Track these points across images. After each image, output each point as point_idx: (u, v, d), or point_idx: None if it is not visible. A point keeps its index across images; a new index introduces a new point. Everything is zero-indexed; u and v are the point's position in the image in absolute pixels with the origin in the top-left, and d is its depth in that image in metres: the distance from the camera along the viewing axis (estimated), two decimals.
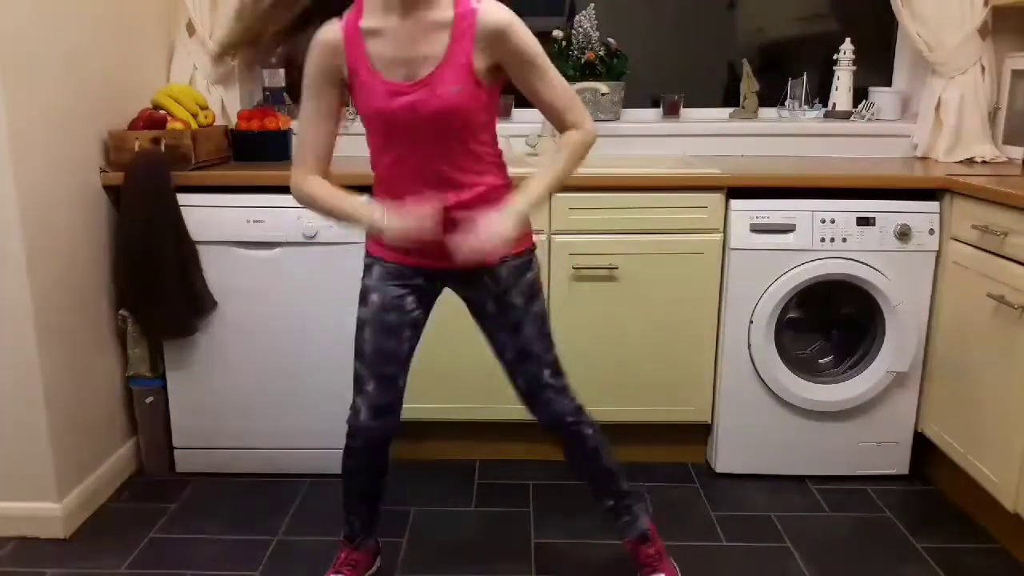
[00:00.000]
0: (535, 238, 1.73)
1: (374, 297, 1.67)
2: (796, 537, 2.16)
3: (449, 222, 1.55)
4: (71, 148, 2.17)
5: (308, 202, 1.62)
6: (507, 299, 1.66)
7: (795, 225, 2.29)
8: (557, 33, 2.81)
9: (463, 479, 2.46)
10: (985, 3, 2.56)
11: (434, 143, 1.53)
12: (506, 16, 1.49)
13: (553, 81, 1.56)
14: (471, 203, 1.58)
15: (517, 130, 2.77)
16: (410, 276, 1.68)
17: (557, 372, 1.72)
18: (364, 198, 1.62)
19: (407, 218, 1.50)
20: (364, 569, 1.91)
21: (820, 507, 2.31)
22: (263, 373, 2.39)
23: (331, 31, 1.52)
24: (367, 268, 1.71)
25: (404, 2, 1.47)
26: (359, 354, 1.69)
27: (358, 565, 1.89)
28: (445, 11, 1.49)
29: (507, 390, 2.42)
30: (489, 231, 1.49)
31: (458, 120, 1.52)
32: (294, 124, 2.73)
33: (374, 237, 1.65)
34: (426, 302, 1.73)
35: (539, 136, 2.76)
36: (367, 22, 1.50)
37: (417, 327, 1.72)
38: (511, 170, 1.68)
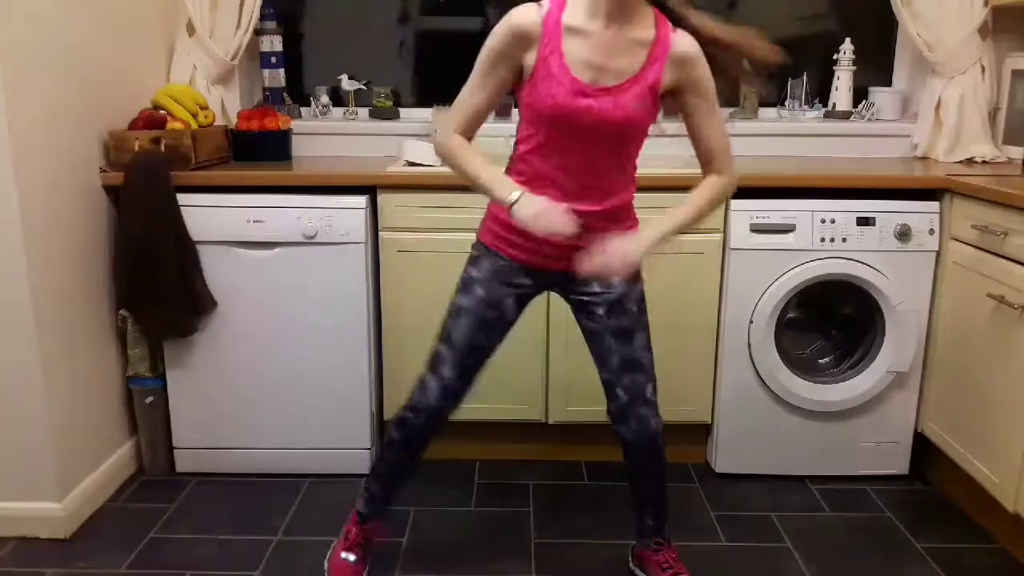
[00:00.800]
0: None
1: (479, 290, 1.69)
2: (796, 537, 2.16)
3: (582, 227, 1.56)
4: (71, 148, 2.17)
5: (448, 156, 1.61)
6: (622, 304, 1.69)
7: (795, 225, 2.29)
8: None
9: (463, 479, 2.46)
10: (985, 3, 2.57)
11: (599, 150, 1.58)
12: (693, 46, 1.56)
13: (717, 121, 1.63)
14: (608, 212, 1.64)
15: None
16: (518, 277, 1.70)
17: (655, 390, 1.73)
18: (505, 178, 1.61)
19: (542, 210, 1.50)
20: (372, 539, 1.95)
21: (820, 507, 2.31)
22: (263, 373, 2.39)
23: (529, 18, 1.52)
24: (476, 259, 1.72)
25: (612, 13, 1.50)
26: (447, 339, 1.71)
27: (368, 543, 1.93)
28: (647, 30, 1.54)
29: (507, 390, 2.44)
30: (617, 252, 1.54)
31: (630, 134, 1.58)
32: (294, 124, 2.74)
33: (496, 231, 1.68)
34: (524, 304, 1.76)
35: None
36: (570, 19, 1.52)
37: (509, 328, 1.75)
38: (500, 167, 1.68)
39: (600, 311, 1.70)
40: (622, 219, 1.69)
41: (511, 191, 1.53)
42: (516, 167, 1.64)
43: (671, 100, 1.61)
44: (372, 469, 1.92)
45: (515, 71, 1.56)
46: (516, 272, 1.70)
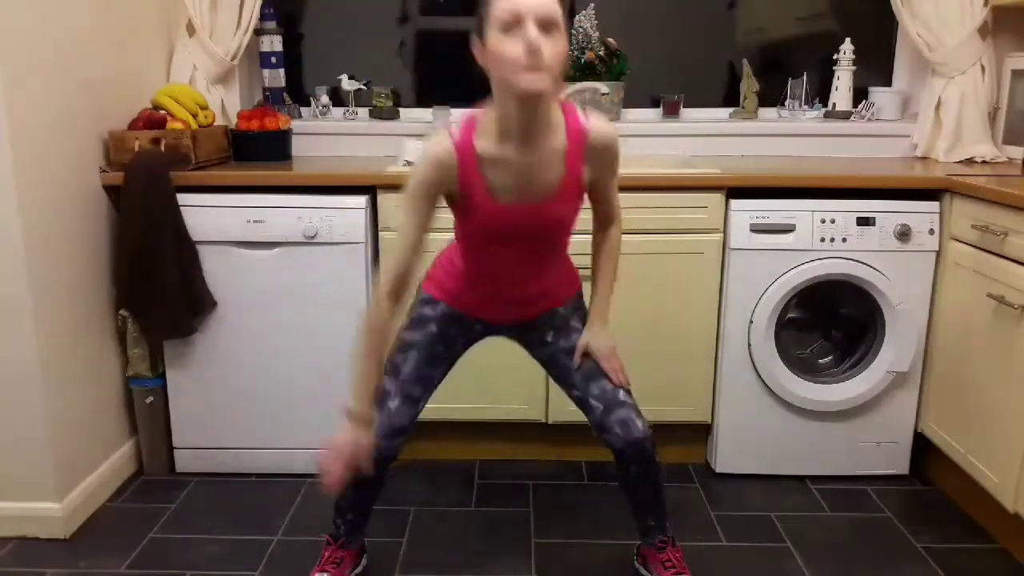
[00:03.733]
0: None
1: (432, 328, 1.73)
2: (796, 537, 2.16)
3: (533, 300, 1.72)
4: (71, 148, 2.17)
5: (367, 332, 1.57)
6: (568, 325, 1.75)
7: (795, 225, 2.29)
8: None
9: (463, 479, 2.46)
10: (985, 3, 2.57)
11: (535, 247, 1.62)
12: (612, 130, 1.55)
13: (615, 181, 1.66)
14: (548, 287, 1.72)
15: None
16: (471, 323, 1.76)
17: (628, 392, 1.73)
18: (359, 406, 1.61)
19: (342, 445, 1.55)
20: (349, 567, 1.92)
21: (820, 507, 2.31)
22: (263, 373, 2.39)
23: (445, 149, 1.48)
24: (429, 302, 1.75)
25: (525, 132, 1.45)
26: (394, 372, 1.72)
27: (343, 563, 1.90)
28: (558, 134, 1.50)
29: (507, 390, 2.44)
30: (606, 348, 1.72)
31: (564, 229, 1.61)
32: (294, 124, 2.74)
33: (445, 286, 1.74)
34: (473, 343, 1.81)
35: None
36: (483, 147, 1.48)
37: (455, 362, 1.80)
38: None
39: (548, 337, 1.75)
40: (553, 293, 1.75)
41: (363, 408, 1.58)
42: (458, 258, 1.70)
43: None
44: (335, 505, 1.87)
45: (440, 199, 1.55)
46: (466, 321, 1.76)
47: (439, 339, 1.73)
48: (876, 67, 2.95)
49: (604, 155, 1.56)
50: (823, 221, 2.28)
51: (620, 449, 1.70)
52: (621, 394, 1.70)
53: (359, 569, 1.96)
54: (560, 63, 1.38)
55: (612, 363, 1.72)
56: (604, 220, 1.73)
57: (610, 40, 2.79)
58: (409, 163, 2.45)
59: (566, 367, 1.74)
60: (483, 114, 1.49)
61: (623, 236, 1.78)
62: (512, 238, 1.57)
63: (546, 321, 1.76)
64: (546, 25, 1.35)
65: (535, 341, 1.78)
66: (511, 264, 1.64)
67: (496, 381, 2.43)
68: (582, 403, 1.74)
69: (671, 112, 2.91)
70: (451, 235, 1.69)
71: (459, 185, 1.51)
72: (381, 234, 2.35)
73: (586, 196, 1.64)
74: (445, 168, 1.49)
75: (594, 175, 1.58)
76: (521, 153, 1.48)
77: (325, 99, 2.93)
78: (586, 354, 1.74)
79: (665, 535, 1.88)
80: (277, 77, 2.86)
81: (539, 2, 1.34)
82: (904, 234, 2.28)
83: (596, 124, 1.53)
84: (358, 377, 1.58)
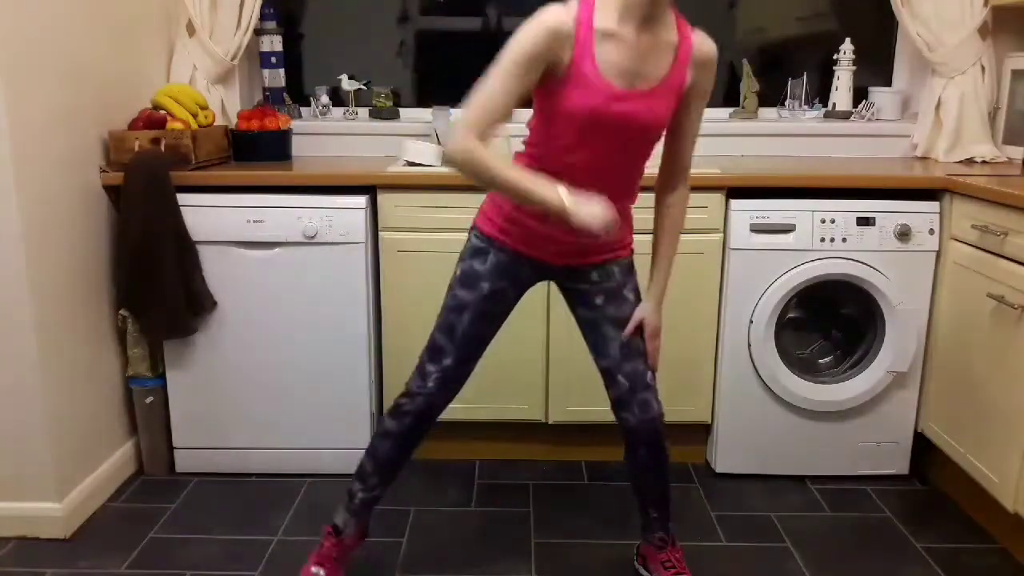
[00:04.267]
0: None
1: (484, 285, 1.70)
2: (796, 537, 2.16)
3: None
4: (71, 148, 2.17)
5: (470, 163, 1.48)
6: (621, 294, 1.73)
7: (795, 225, 2.29)
8: None
9: (463, 479, 2.46)
10: (985, 3, 2.57)
11: (624, 152, 1.60)
12: (714, 48, 1.60)
13: (698, 128, 1.70)
14: (623, 212, 1.69)
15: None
16: (519, 268, 1.72)
17: (655, 376, 1.75)
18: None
19: (597, 209, 1.46)
20: (347, 557, 1.91)
21: (820, 507, 2.31)
22: (263, 373, 2.39)
23: (562, 19, 1.47)
24: (480, 252, 1.70)
25: (646, 18, 1.50)
26: (449, 331, 1.71)
27: (341, 556, 1.89)
28: (671, 32, 1.55)
29: (507, 390, 2.44)
30: (659, 327, 1.74)
31: (656, 136, 1.60)
32: (294, 124, 2.74)
33: (497, 223, 1.67)
34: (523, 292, 1.78)
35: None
36: (602, 23, 1.49)
37: (507, 316, 1.77)
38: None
39: (599, 300, 1.72)
40: (626, 222, 1.72)
41: (564, 196, 1.47)
42: (545, 167, 1.58)
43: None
44: (357, 470, 1.85)
45: (544, 72, 1.50)
46: (517, 264, 1.71)
47: (490, 297, 1.70)
48: (876, 67, 2.95)
49: (704, 71, 1.59)
50: (823, 221, 2.28)
51: (634, 427, 1.72)
52: (650, 376, 1.72)
53: (356, 551, 1.96)
54: None
55: (657, 343, 1.74)
56: (673, 173, 1.73)
57: None
58: (410, 163, 2.45)
59: (605, 336, 1.72)
60: None
61: None
62: (608, 128, 1.53)
63: (600, 280, 1.72)
64: None
65: (583, 299, 1.74)
66: (591, 169, 1.58)
67: (496, 381, 2.43)
68: (609, 375, 1.73)
69: None
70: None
71: (572, 56, 1.48)
72: (381, 234, 2.35)
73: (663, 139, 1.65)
74: (561, 38, 1.46)
75: (691, 90, 1.60)
76: (638, 35, 1.51)
77: (325, 99, 2.93)
78: (624, 324, 1.72)
79: (666, 533, 1.88)
80: (277, 77, 2.85)
81: None
82: (904, 234, 2.28)
83: (702, 38, 1.59)
84: (527, 184, 1.48)
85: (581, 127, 1.54)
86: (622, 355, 1.71)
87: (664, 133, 1.65)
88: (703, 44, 1.58)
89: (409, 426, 1.78)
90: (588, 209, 1.46)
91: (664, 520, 1.87)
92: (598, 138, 1.55)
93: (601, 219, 1.45)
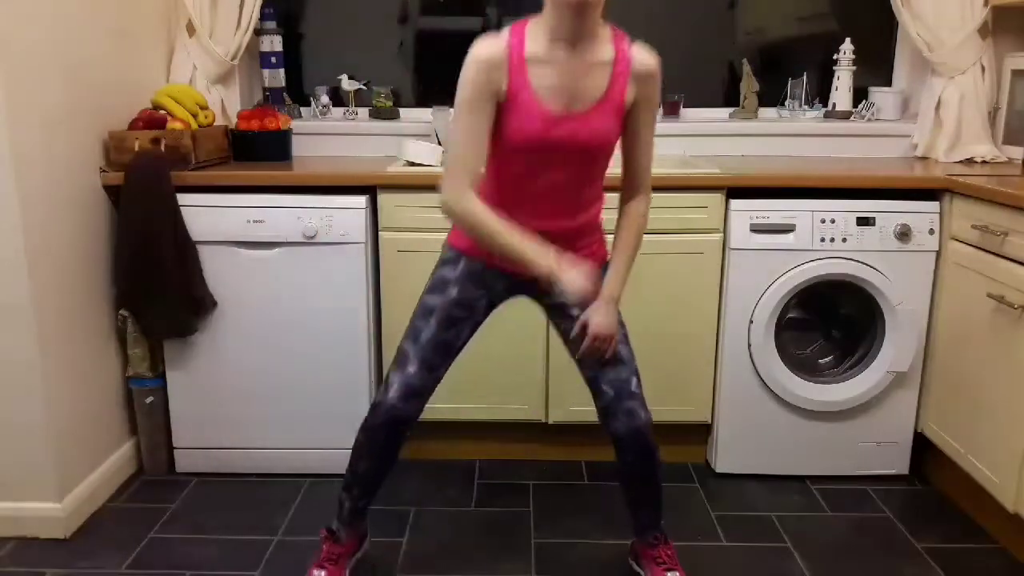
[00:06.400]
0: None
1: (453, 291, 1.71)
2: (796, 537, 2.16)
3: (563, 239, 1.67)
4: (71, 148, 2.17)
5: (468, 220, 1.57)
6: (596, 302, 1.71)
7: (795, 225, 2.29)
8: None
9: (463, 479, 2.46)
10: (985, 3, 2.57)
11: (571, 171, 1.61)
12: (655, 61, 1.60)
13: (651, 136, 1.68)
14: (581, 228, 1.69)
15: None
16: (492, 279, 1.74)
17: (640, 383, 1.73)
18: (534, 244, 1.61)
19: (578, 280, 1.53)
20: (347, 559, 1.92)
21: (820, 507, 2.31)
22: (263, 373, 2.39)
23: (495, 49, 1.53)
24: (451, 260, 1.73)
25: (574, 37, 1.52)
26: (414, 337, 1.71)
27: (340, 558, 1.89)
28: (607, 51, 1.57)
29: (507, 390, 2.44)
30: (603, 324, 1.64)
31: (600, 154, 1.61)
32: (294, 124, 2.74)
33: (467, 238, 1.69)
34: (495, 306, 1.79)
35: None
36: (532, 49, 1.54)
37: (477, 328, 1.77)
38: None
39: (574, 311, 1.72)
40: (591, 234, 1.73)
41: (551, 262, 1.55)
42: (487, 190, 1.65)
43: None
44: (343, 481, 1.84)
45: (494, 105, 1.56)
46: (490, 275, 1.73)
47: (459, 303, 1.71)
48: (876, 67, 2.95)
49: (645, 83, 1.60)
50: (823, 221, 2.28)
51: (621, 436, 1.71)
52: (634, 384, 1.71)
53: (359, 554, 1.96)
54: None
55: (600, 345, 1.66)
56: (630, 187, 1.71)
57: None
58: (410, 163, 2.45)
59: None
60: (532, 22, 1.56)
61: None
62: (552, 152, 1.57)
63: None
64: None
65: (559, 311, 1.75)
66: (544, 191, 1.62)
67: (496, 381, 2.43)
68: (593, 384, 1.73)
69: (671, 112, 2.91)
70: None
71: (508, 84, 1.54)
72: (381, 234, 2.35)
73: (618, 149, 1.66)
74: (495, 67, 1.52)
75: (634, 106, 1.61)
76: (569, 56, 1.53)
77: (325, 99, 2.93)
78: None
79: (658, 532, 1.88)
80: (277, 77, 2.85)
81: None
82: (904, 234, 2.28)
83: (640, 51, 1.60)
84: (519, 246, 1.55)
85: (526, 153, 1.59)
86: (603, 363, 1.71)
87: (619, 146, 1.67)
88: (642, 57, 1.59)
89: (378, 441, 1.74)
90: (570, 276, 1.53)
91: (656, 520, 1.87)
92: (545, 162, 1.59)
93: (579, 289, 1.52)
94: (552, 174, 1.60)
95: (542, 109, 1.54)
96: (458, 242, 1.74)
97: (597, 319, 1.66)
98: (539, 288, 1.72)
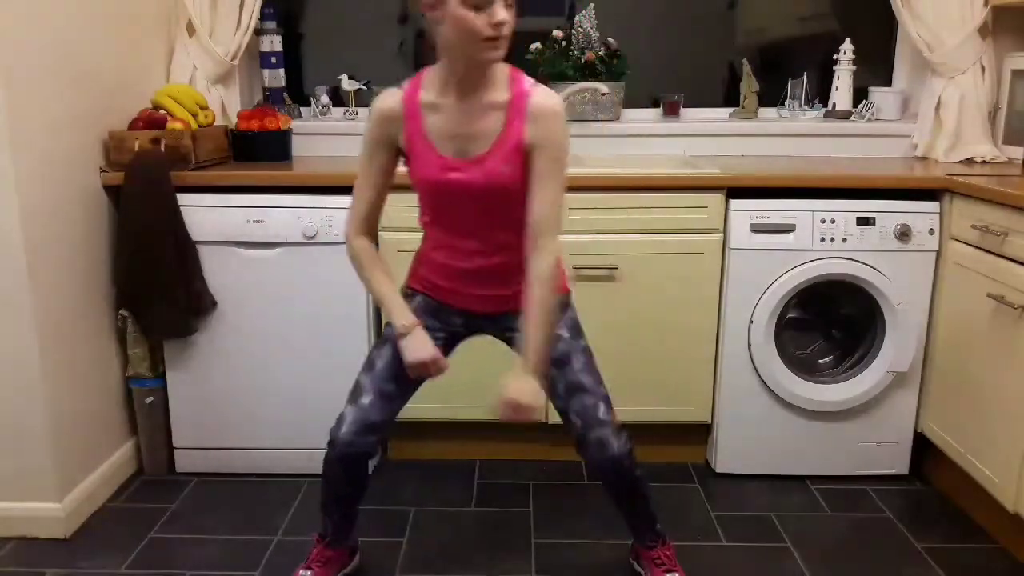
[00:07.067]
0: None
1: None
2: (796, 537, 2.16)
3: (499, 281, 1.67)
4: (71, 148, 2.17)
5: (353, 263, 1.69)
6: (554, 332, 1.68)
7: (795, 225, 2.29)
8: (557, 33, 2.80)
9: (463, 479, 2.46)
10: (985, 3, 2.56)
11: (476, 214, 1.61)
12: (557, 102, 1.56)
13: (558, 187, 1.56)
14: (498, 268, 1.67)
15: None
16: (449, 316, 1.75)
17: (610, 409, 1.70)
18: (400, 303, 1.69)
19: (419, 354, 1.63)
20: (337, 567, 1.91)
21: (820, 507, 2.31)
22: (263, 373, 2.39)
23: (392, 100, 1.59)
24: (408, 295, 1.75)
25: (462, 86, 1.54)
26: (370, 367, 1.71)
27: (329, 562, 1.89)
28: (501, 93, 1.55)
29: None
30: (524, 398, 1.56)
31: (502, 197, 1.59)
32: (294, 124, 2.74)
33: (425, 277, 1.74)
34: (453, 344, 1.80)
35: None
36: (426, 96, 1.57)
37: None
38: None
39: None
40: (514, 280, 1.63)
41: (403, 321, 1.64)
42: (425, 234, 1.73)
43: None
44: (322, 501, 1.84)
45: (393, 153, 1.64)
46: (447, 312, 1.74)
47: None
48: (876, 67, 2.95)
49: (542, 124, 1.52)
50: (823, 221, 2.28)
51: (596, 466, 1.71)
52: (601, 412, 1.68)
53: (348, 569, 1.96)
54: (511, 31, 1.48)
55: (517, 416, 1.57)
56: (530, 235, 1.56)
57: (610, 40, 2.79)
58: None
59: (552, 381, 1.70)
60: (429, 69, 1.59)
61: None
62: (453, 195, 1.59)
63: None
64: (509, 1, 1.46)
65: (518, 343, 1.72)
66: (460, 233, 1.64)
67: (496, 381, 2.42)
68: (564, 415, 1.72)
69: (671, 112, 2.91)
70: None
71: (405, 133, 1.59)
72: (381, 234, 2.35)
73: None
74: (390, 117, 1.59)
75: (532, 146, 1.53)
76: (460, 100, 1.55)
77: (325, 99, 2.93)
78: (564, 364, 1.68)
79: (656, 535, 1.88)
80: (277, 77, 2.85)
81: None
82: (904, 234, 2.28)
83: (541, 90, 1.56)
84: (378, 297, 1.68)
85: (431, 196, 1.63)
86: (567, 393, 1.69)
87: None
88: (539, 98, 1.53)
89: (338, 475, 1.73)
90: (410, 345, 1.64)
91: (650, 526, 1.87)
92: (451, 204, 1.61)
93: (413, 361, 1.63)
94: (461, 216, 1.62)
95: (437, 155, 1.57)
96: (411, 281, 1.78)
97: (515, 384, 1.57)
98: (502, 326, 1.74)
